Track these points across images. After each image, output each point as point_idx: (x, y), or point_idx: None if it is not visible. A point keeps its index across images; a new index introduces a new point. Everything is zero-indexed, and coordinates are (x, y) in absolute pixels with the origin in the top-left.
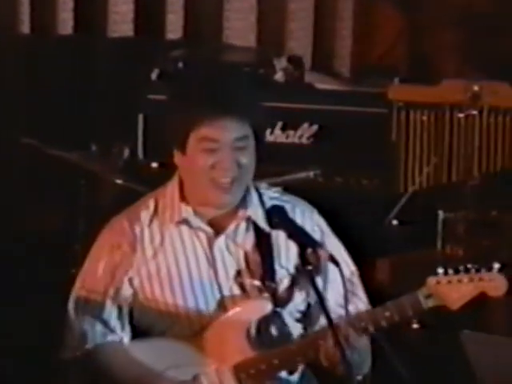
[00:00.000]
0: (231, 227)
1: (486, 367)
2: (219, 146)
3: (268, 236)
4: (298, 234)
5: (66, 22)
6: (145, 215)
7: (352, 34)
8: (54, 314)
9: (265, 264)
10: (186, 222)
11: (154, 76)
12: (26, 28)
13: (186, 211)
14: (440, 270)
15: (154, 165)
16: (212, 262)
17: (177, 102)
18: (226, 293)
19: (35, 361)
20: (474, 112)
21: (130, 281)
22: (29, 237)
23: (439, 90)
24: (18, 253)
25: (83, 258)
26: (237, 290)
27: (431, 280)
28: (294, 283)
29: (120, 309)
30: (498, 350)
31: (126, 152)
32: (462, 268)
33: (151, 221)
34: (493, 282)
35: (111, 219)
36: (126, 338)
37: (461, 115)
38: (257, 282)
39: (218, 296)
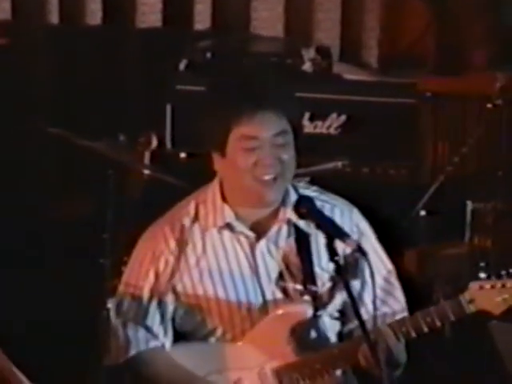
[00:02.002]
0: (273, 230)
1: None
2: (259, 144)
3: (307, 238)
4: (326, 225)
5: (94, 13)
6: (186, 221)
7: (380, 25)
8: (84, 306)
9: (305, 267)
10: (228, 226)
11: (182, 66)
12: (54, 18)
13: (229, 216)
14: (482, 275)
15: (182, 155)
16: (254, 266)
17: (213, 103)
18: (269, 297)
19: (67, 360)
20: (502, 102)
21: (173, 287)
22: (57, 227)
23: (467, 81)
24: (46, 243)
25: (111, 248)
26: (279, 294)
27: (474, 285)
28: (334, 285)
29: (163, 315)
30: None
31: (154, 142)
32: (504, 273)
33: (193, 226)
34: None
35: (151, 226)
36: (168, 343)
37: (489, 106)
38: (298, 286)
39: (260, 300)
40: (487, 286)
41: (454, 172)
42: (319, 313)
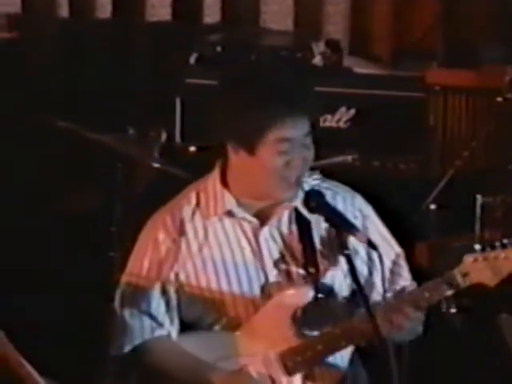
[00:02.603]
0: (275, 217)
1: None
2: (291, 145)
3: (308, 224)
4: (335, 219)
5: (104, 6)
6: (187, 209)
7: (390, 18)
8: (92, 299)
9: (307, 252)
10: (229, 213)
11: (192, 60)
12: (64, 12)
13: (230, 203)
14: (477, 247)
15: (192, 149)
16: (258, 252)
17: (245, 105)
18: (272, 283)
19: (76, 352)
20: None
21: (177, 275)
22: (66, 220)
23: (477, 74)
24: (55, 236)
25: (120, 241)
26: (282, 280)
27: (468, 258)
28: (336, 270)
29: (168, 303)
30: None
31: (164, 136)
32: (498, 244)
33: (194, 215)
34: None
35: (154, 215)
36: (174, 332)
37: (499, 99)
38: (301, 270)
39: (263, 286)
40: (481, 258)
41: (464, 166)
42: (320, 295)
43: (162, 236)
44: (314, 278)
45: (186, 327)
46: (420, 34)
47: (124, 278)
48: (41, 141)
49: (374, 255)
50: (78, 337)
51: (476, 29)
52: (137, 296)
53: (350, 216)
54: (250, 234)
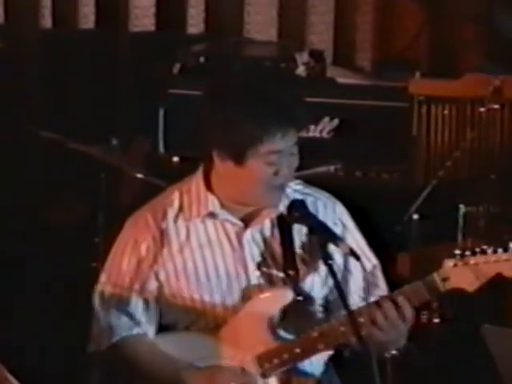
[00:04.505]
0: (258, 220)
1: (507, 361)
2: (281, 156)
3: (289, 227)
4: (318, 229)
5: (87, 17)
6: (170, 210)
7: (373, 28)
8: (75, 308)
9: (287, 255)
10: (212, 215)
11: (175, 70)
12: (47, 22)
13: (213, 205)
14: (457, 252)
15: (175, 159)
16: (239, 255)
17: (236, 118)
18: (253, 284)
19: (59, 355)
20: (496, 106)
21: (156, 275)
22: (49, 230)
23: (460, 84)
24: (38, 246)
25: (104, 252)
26: (263, 282)
27: (448, 262)
28: (314, 274)
29: (146, 303)
30: None
31: (147, 146)
32: (478, 250)
33: (177, 216)
34: (509, 263)
35: (134, 213)
36: (151, 331)
37: (482, 109)
38: (280, 274)
39: (243, 289)
40: (460, 263)
41: (447, 176)
42: (300, 298)
43: (142, 235)
44: (293, 281)
45: (162, 329)
46: (403, 44)
47: (103, 277)
48: (24, 151)
49: (352, 265)
50: (64, 348)
51: (459, 39)
52: (115, 294)
53: (330, 222)
54: (233, 236)
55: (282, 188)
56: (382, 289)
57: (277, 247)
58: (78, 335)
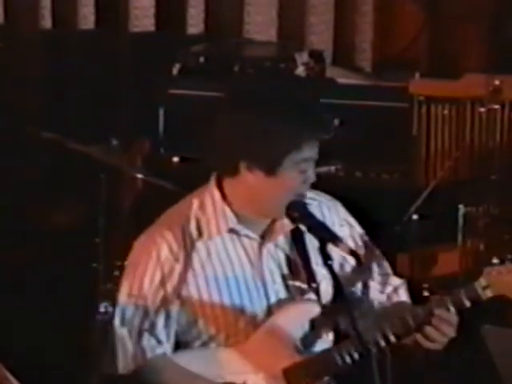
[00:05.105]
0: (274, 231)
1: (507, 361)
2: (309, 163)
3: (302, 236)
4: (317, 229)
5: (87, 17)
6: (187, 227)
7: (373, 28)
8: (75, 308)
9: (305, 265)
10: (231, 230)
11: (175, 71)
12: (47, 23)
13: (232, 220)
14: (495, 261)
15: (175, 159)
16: (259, 269)
17: (272, 129)
18: (273, 299)
19: (59, 355)
20: (496, 106)
21: (178, 293)
22: (49, 231)
23: (460, 84)
24: (38, 247)
25: (104, 252)
26: (284, 295)
27: (489, 270)
28: (325, 280)
29: (167, 321)
30: None
31: (147, 146)
32: None
33: (195, 232)
34: None
35: (150, 229)
36: (169, 349)
37: (482, 109)
38: (302, 284)
39: (264, 303)
40: (502, 270)
41: (447, 176)
42: (324, 310)
43: (164, 253)
44: (314, 292)
45: (180, 345)
46: (403, 45)
47: (123, 296)
48: (25, 152)
49: (349, 266)
50: (64, 348)
51: (459, 39)
52: (138, 315)
53: (337, 225)
54: (251, 251)
55: (303, 196)
56: (393, 277)
57: (295, 258)
58: (78, 335)
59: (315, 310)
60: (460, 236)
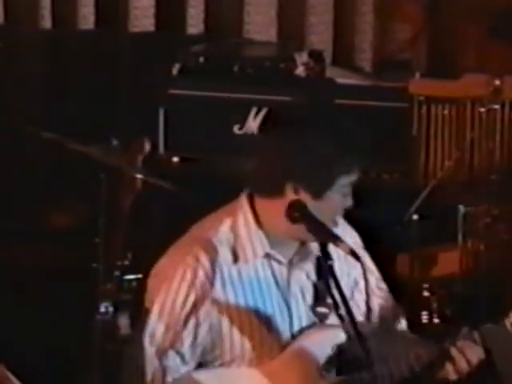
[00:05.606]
0: (303, 258)
1: (507, 361)
2: (351, 188)
3: (331, 266)
4: (317, 229)
5: (87, 17)
6: (221, 249)
7: (373, 29)
8: (75, 308)
9: (329, 291)
10: (266, 255)
11: (174, 71)
12: (47, 23)
13: (266, 245)
14: None
15: (175, 159)
16: (285, 293)
17: (324, 153)
18: (296, 322)
19: (59, 355)
20: (496, 106)
21: (209, 314)
22: (49, 231)
23: (460, 85)
24: (38, 246)
25: (104, 252)
26: (307, 320)
27: None
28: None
29: (195, 340)
30: None
31: (147, 146)
32: None
33: (232, 257)
34: None
35: (180, 246)
36: (193, 367)
37: (482, 109)
38: (326, 310)
39: (288, 326)
40: None
41: (447, 176)
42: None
43: (199, 277)
44: (340, 317)
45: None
46: (403, 45)
47: (155, 315)
48: (25, 152)
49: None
50: (64, 349)
51: (459, 39)
52: (168, 336)
53: (348, 233)
54: (280, 276)
55: (336, 224)
56: (390, 299)
57: (320, 286)
58: (78, 335)
59: (341, 337)
60: (460, 236)
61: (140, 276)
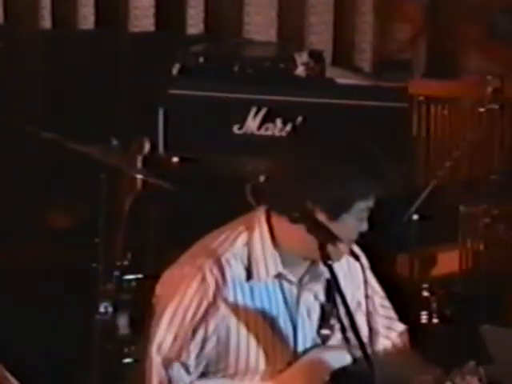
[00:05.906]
0: (313, 279)
1: (507, 361)
2: (367, 213)
3: (336, 279)
4: (317, 229)
5: (87, 17)
6: (235, 264)
7: (373, 29)
8: (75, 308)
9: (338, 313)
10: (278, 275)
11: (174, 71)
12: (47, 23)
13: (280, 265)
14: None
15: (175, 159)
16: (292, 312)
17: (346, 177)
18: (300, 342)
19: (59, 355)
20: (496, 106)
21: (218, 328)
22: (49, 231)
23: (460, 85)
24: (37, 246)
25: (104, 252)
26: (311, 341)
27: None
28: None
29: (200, 353)
30: None
31: (147, 146)
32: None
33: (246, 274)
34: None
35: (191, 256)
36: (196, 376)
37: (482, 109)
38: (329, 332)
39: (292, 344)
40: None
41: (447, 176)
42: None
43: (211, 291)
44: (346, 340)
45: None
46: (403, 45)
47: (164, 325)
48: (25, 152)
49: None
50: (64, 349)
51: (459, 39)
52: (175, 346)
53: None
54: (289, 295)
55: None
56: (394, 319)
57: (328, 308)
58: (78, 335)
59: (347, 358)
60: (460, 236)
61: (140, 276)
